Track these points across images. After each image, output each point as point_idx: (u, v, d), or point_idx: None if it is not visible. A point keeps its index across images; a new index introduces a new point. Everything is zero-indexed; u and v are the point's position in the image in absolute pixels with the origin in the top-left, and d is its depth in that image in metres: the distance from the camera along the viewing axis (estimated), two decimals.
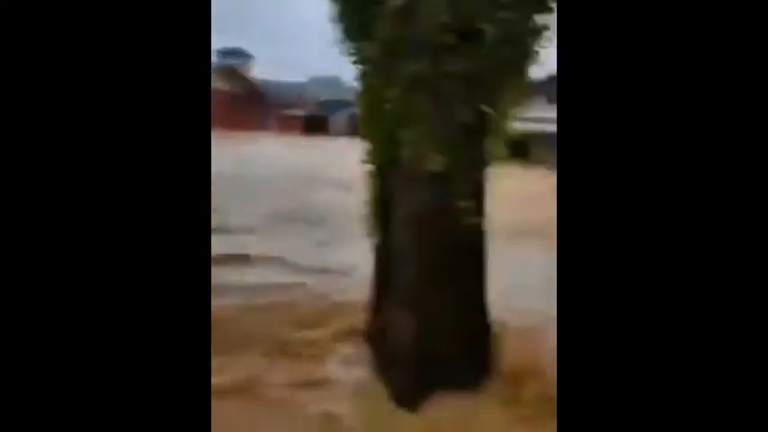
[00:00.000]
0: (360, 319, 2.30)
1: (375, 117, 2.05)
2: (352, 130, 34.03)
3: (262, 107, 36.18)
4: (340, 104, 39.02)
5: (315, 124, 37.43)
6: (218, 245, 3.43)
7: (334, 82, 39.28)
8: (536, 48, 1.82)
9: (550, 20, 1.79)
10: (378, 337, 2.07)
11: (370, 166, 2.16)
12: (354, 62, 2.19)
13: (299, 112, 39.06)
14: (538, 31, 1.79)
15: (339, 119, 38.17)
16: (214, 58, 34.07)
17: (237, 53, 36.09)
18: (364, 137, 2.18)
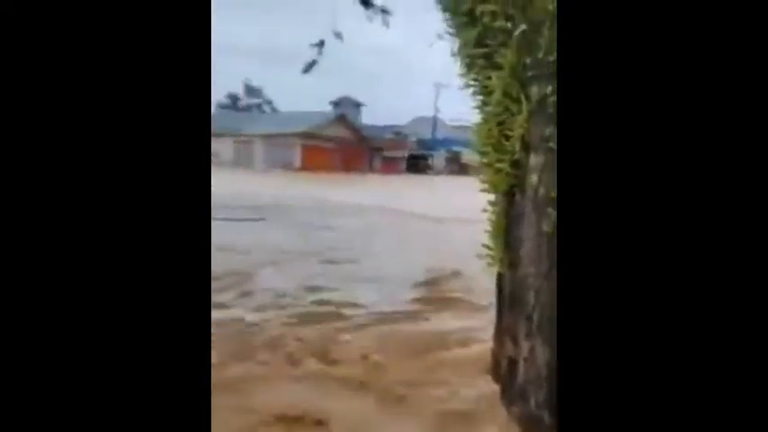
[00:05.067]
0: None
1: (497, 146, 1.99)
2: (456, 168, 34.20)
3: (366, 150, 37.81)
4: (439, 143, 39.52)
5: (417, 164, 38.16)
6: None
7: (432, 122, 40.08)
8: None
9: None
10: (508, 367, 1.93)
11: (491, 196, 2.08)
12: (474, 93, 2.16)
13: (401, 153, 40.13)
14: None
15: (440, 157, 38.50)
16: (327, 108, 36.72)
17: (346, 102, 38.31)
18: (484, 166, 2.11)
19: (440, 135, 39.84)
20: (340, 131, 34.76)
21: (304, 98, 69.26)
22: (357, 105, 38.29)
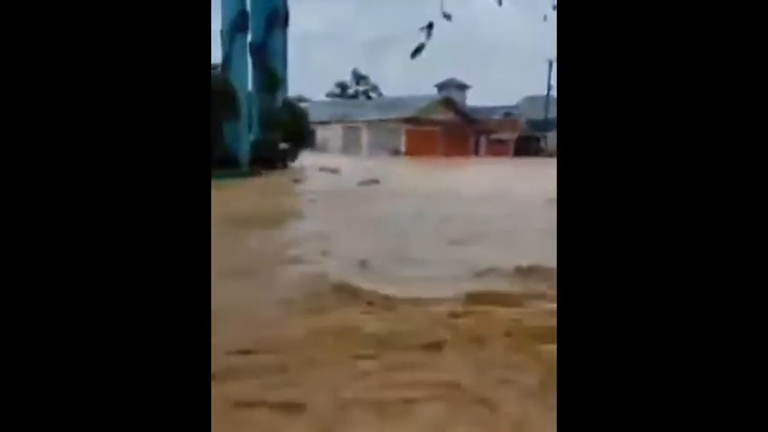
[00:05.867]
0: None
1: None
2: None
3: (473, 133, 36.78)
4: (553, 123, 37.01)
5: (526, 145, 36.36)
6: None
7: (545, 101, 37.59)
8: None
9: None
10: None
11: None
12: None
13: (509, 135, 38.48)
14: None
15: (553, 138, 36.11)
16: (433, 92, 36.33)
17: (451, 84, 37.46)
18: None
19: (553, 114, 37.18)
20: (445, 115, 34.20)
21: (411, 82, 69.42)
22: (462, 87, 37.28)
